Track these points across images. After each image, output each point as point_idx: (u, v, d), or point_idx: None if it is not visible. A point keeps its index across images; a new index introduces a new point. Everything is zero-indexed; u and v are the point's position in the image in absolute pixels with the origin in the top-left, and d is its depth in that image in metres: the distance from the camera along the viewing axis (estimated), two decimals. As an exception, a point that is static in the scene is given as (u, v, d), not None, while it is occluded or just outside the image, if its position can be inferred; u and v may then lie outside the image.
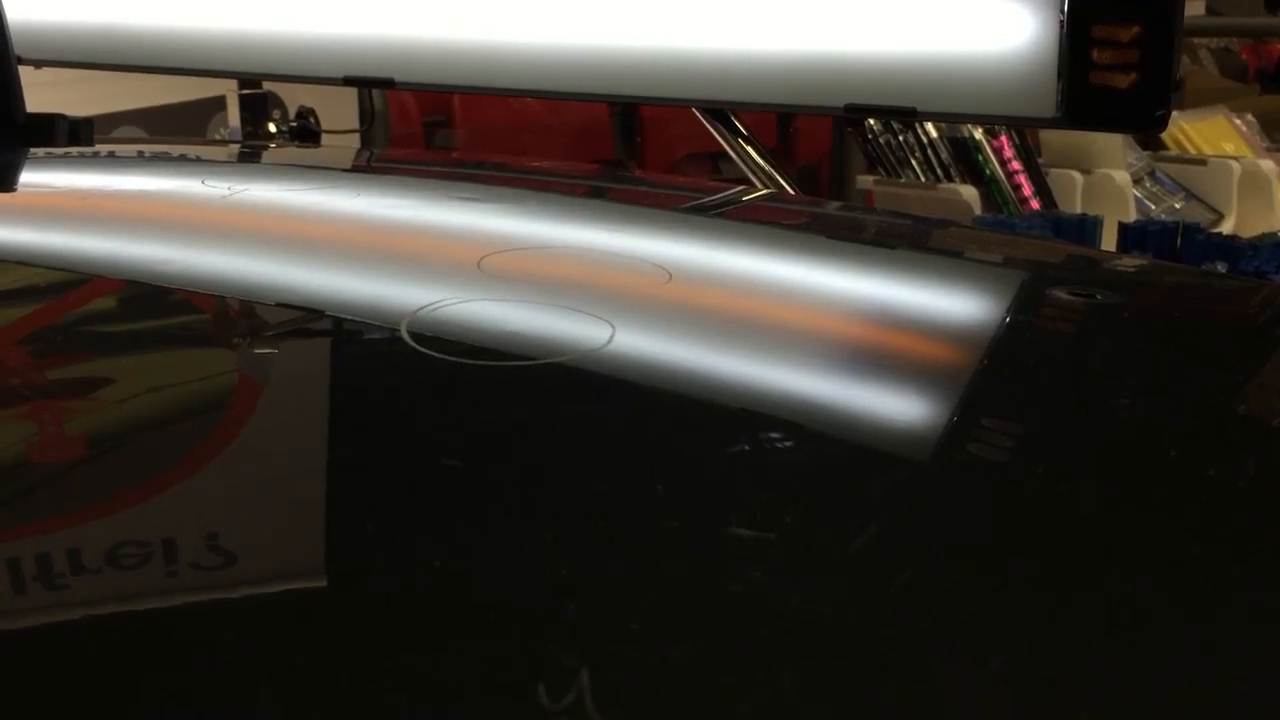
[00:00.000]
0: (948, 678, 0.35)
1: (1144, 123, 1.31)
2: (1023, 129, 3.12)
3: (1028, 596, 0.40)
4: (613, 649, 0.35)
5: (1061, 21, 1.28)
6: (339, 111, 3.43)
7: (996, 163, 3.19)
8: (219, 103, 3.69)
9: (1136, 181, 3.32)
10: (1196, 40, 4.74)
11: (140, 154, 1.42)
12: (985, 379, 0.63)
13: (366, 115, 3.42)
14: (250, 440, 0.50)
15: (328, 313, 0.66)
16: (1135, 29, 1.23)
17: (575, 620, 0.37)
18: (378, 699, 0.32)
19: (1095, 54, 1.25)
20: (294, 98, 3.40)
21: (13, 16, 1.27)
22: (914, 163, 3.22)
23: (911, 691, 0.34)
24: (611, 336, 0.59)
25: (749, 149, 1.76)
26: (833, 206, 1.71)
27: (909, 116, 1.49)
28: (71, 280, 0.73)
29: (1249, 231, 2.64)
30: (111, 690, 0.33)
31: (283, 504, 0.45)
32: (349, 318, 0.66)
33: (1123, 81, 1.24)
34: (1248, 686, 0.36)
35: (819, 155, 4.37)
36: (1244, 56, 5.56)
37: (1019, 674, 0.36)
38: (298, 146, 2.86)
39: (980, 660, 0.36)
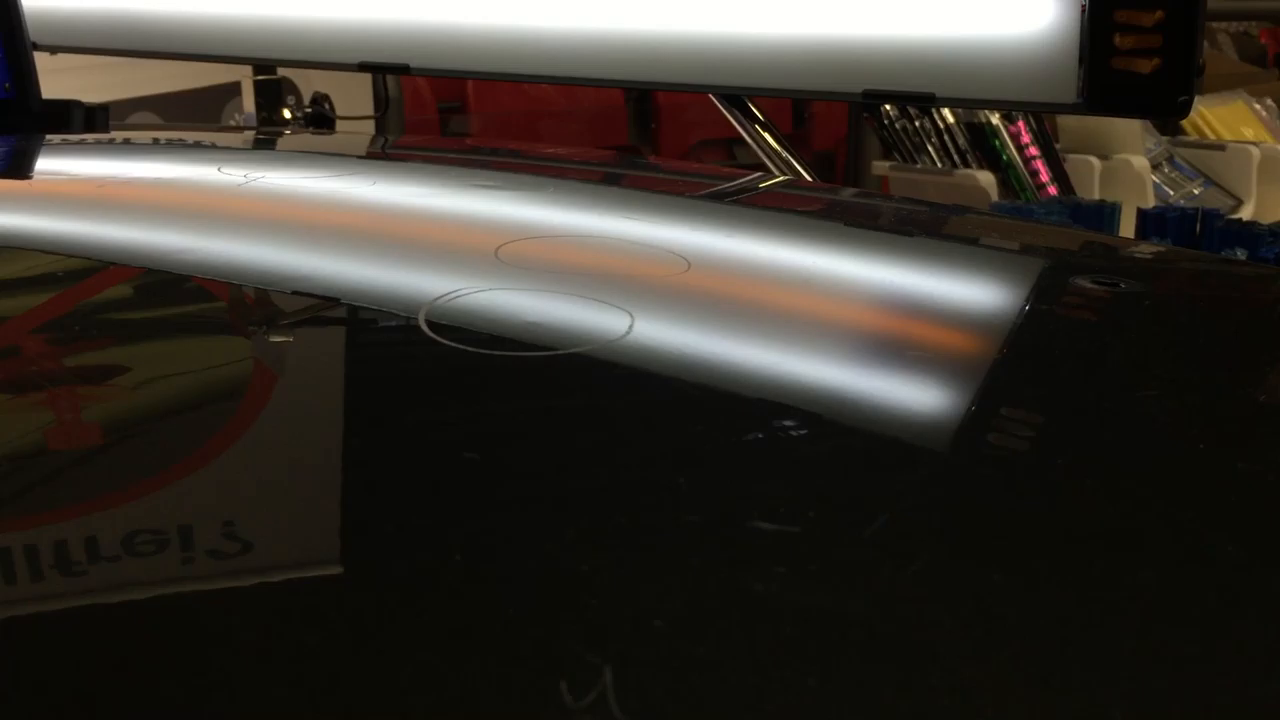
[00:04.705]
0: (969, 671, 0.35)
1: (1167, 108, 1.30)
2: (1040, 114, 3.11)
3: (1053, 588, 0.40)
4: (639, 639, 0.35)
5: (1083, 6, 1.27)
6: (353, 97, 3.43)
7: (1014, 148, 3.18)
8: (234, 89, 3.70)
9: (1155, 167, 3.30)
10: (1215, 24, 4.71)
11: (156, 140, 1.42)
12: (1006, 368, 0.62)
13: (381, 101, 3.42)
14: (268, 430, 0.50)
15: (346, 302, 0.66)
16: (1158, 13, 1.22)
17: (600, 611, 0.36)
18: (401, 688, 0.32)
19: (1117, 39, 1.24)
20: (309, 84, 3.40)
21: (28, 4, 1.27)
22: (930, 148, 3.20)
23: (932, 685, 0.34)
24: (630, 326, 0.58)
25: (765, 135, 1.75)
26: (849, 193, 1.71)
27: (928, 102, 1.48)
28: (90, 267, 0.73)
29: (1268, 217, 2.63)
30: (129, 676, 0.33)
31: (303, 493, 0.45)
32: (367, 307, 0.65)
33: (1145, 67, 1.23)
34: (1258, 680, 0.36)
35: (834, 141, 4.36)
36: (1263, 41, 5.53)
37: (1038, 665, 0.35)
38: (313, 133, 2.86)
39: (1000, 654, 0.36)
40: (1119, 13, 1.24)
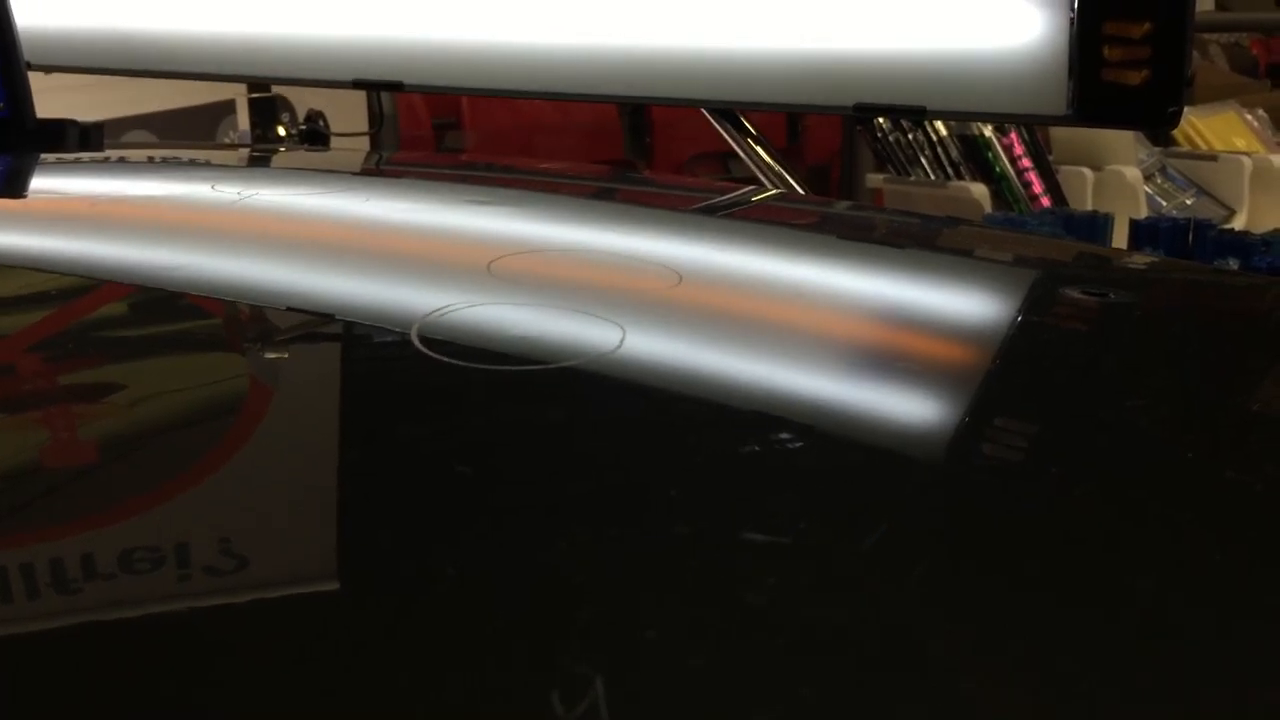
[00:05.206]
0: (963, 680, 0.35)
1: (1156, 119, 1.31)
2: (1033, 126, 3.12)
3: (1043, 599, 0.40)
4: (629, 654, 0.35)
5: (1072, 18, 1.28)
6: (348, 114, 3.43)
7: (1006, 160, 3.19)
8: (228, 106, 3.71)
9: (1147, 178, 3.31)
10: (1206, 35, 4.73)
11: (150, 159, 1.43)
12: (998, 379, 0.62)
13: (375, 118, 3.43)
14: (262, 446, 0.50)
15: (339, 318, 0.66)
16: (1146, 25, 1.22)
17: (592, 625, 0.36)
18: (391, 703, 0.32)
19: (1106, 51, 1.25)
20: (303, 101, 3.41)
21: (22, 23, 1.28)
22: (924, 161, 3.21)
23: (929, 695, 0.34)
24: (622, 340, 0.59)
25: (758, 149, 1.76)
26: (842, 206, 1.71)
27: (919, 115, 1.48)
28: (84, 286, 0.74)
29: (1261, 227, 2.63)
30: (125, 694, 0.33)
31: (297, 510, 0.45)
32: (360, 322, 0.66)
33: (1134, 78, 1.24)
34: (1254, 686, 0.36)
35: (828, 154, 4.37)
36: (1254, 51, 5.55)
37: (1033, 676, 0.36)
38: (307, 150, 2.87)
39: (996, 664, 0.36)
40: (1108, 25, 1.24)
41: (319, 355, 0.63)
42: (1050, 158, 3.27)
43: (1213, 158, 3.47)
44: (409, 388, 0.57)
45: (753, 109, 1.71)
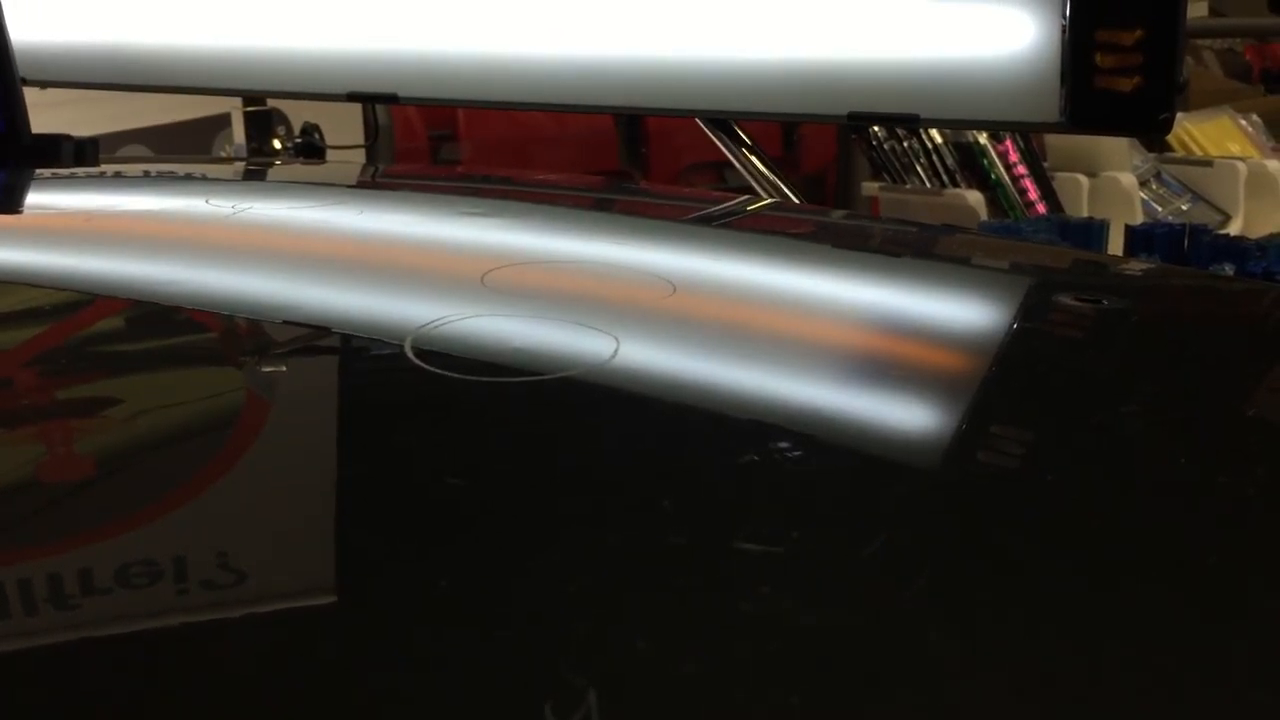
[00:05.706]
0: (960, 685, 0.35)
1: (1148, 125, 1.31)
2: (1027, 133, 3.12)
3: (1040, 604, 0.40)
4: (625, 664, 0.35)
5: (1064, 26, 1.28)
6: (343, 127, 3.44)
7: (1001, 167, 3.19)
8: (224, 120, 3.71)
9: (1142, 184, 3.31)
10: (1200, 41, 4.74)
11: (146, 173, 1.43)
12: (994, 387, 0.63)
13: (371, 130, 3.43)
14: (256, 460, 0.50)
15: (333, 330, 0.66)
16: (1138, 32, 1.23)
17: (589, 636, 0.36)
18: (390, 714, 0.32)
19: (1098, 58, 1.25)
20: (298, 114, 3.41)
21: (17, 38, 1.28)
22: (919, 169, 3.21)
23: (925, 701, 0.34)
24: (616, 350, 0.59)
25: (753, 158, 1.76)
26: (837, 215, 1.71)
27: (912, 123, 1.49)
28: (78, 300, 0.74)
29: (1256, 232, 2.63)
30: (123, 709, 0.33)
31: (291, 523, 0.45)
32: (353, 335, 0.66)
33: (1126, 85, 1.24)
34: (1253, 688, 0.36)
35: (824, 163, 4.37)
36: (1248, 57, 5.57)
37: (1031, 681, 0.36)
38: (303, 163, 2.87)
39: (993, 668, 0.36)
40: (1099, 32, 1.25)
41: (314, 368, 0.63)
42: (1045, 164, 3.27)
43: (1208, 163, 3.47)
44: (403, 400, 0.57)
45: (747, 118, 1.71)
